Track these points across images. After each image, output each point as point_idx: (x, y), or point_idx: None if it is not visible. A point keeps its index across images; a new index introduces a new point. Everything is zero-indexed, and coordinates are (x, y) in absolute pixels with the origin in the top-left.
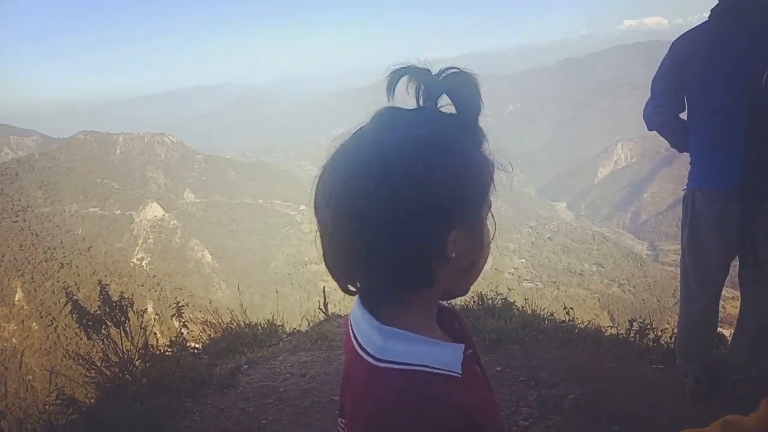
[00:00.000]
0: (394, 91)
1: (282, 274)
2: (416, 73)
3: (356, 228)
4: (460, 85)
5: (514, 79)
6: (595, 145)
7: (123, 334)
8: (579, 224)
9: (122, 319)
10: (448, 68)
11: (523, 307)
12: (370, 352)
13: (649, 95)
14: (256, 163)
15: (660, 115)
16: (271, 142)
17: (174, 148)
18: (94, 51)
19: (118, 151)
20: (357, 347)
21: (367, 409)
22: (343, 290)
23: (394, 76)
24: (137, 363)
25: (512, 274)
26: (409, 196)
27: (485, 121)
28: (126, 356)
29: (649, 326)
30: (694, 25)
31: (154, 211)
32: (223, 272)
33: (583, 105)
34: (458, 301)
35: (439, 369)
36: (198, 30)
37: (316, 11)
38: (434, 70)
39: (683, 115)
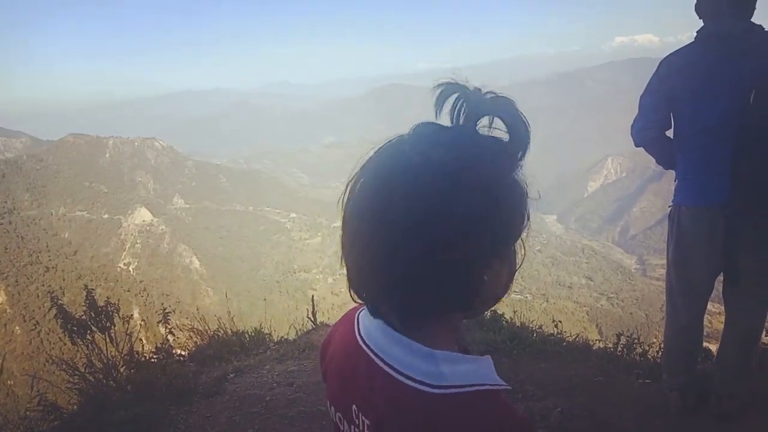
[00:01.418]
0: (442, 106)
1: (271, 282)
2: (463, 91)
3: (421, 248)
4: (514, 114)
5: (506, 91)
6: (586, 159)
7: (108, 340)
8: (569, 237)
9: (108, 324)
10: (489, 91)
11: (511, 319)
12: (421, 380)
13: (637, 112)
14: (246, 170)
15: (647, 131)
16: (261, 148)
17: (164, 152)
18: (85, 54)
19: (107, 155)
20: (392, 372)
21: None
22: (371, 310)
23: (445, 92)
24: (122, 369)
25: None
26: (486, 216)
27: None
28: (111, 362)
29: (636, 340)
30: (684, 44)
31: (142, 215)
32: (211, 279)
33: (574, 119)
34: None
35: (493, 385)
36: (189, 35)
37: (309, 19)
38: (426, 82)
39: (669, 133)
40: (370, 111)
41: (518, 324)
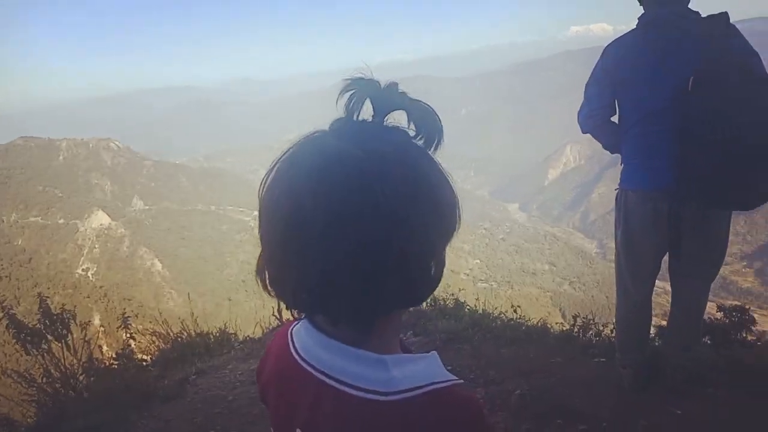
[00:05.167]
0: (358, 104)
1: (236, 282)
2: (370, 87)
3: (357, 242)
4: (424, 109)
5: (466, 83)
6: (546, 148)
7: (65, 348)
8: (531, 225)
9: (64, 332)
10: (393, 83)
11: (474, 307)
12: (372, 389)
13: (583, 99)
14: (208, 169)
15: (594, 118)
16: (223, 146)
17: (121, 153)
18: (33, 54)
19: (60, 158)
20: (340, 386)
21: None
22: (293, 310)
23: (358, 90)
24: (81, 378)
25: (467, 275)
26: (420, 207)
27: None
28: (69, 371)
29: (591, 321)
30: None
31: (100, 219)
32: (174, 281)
33: (533, 108)
34: None
35: (445, 381)
36: (144, 29)
37: (269, 12)
38: (386, 75)
39: (615, 119)
40: (333, 105)
41: (480, 311)
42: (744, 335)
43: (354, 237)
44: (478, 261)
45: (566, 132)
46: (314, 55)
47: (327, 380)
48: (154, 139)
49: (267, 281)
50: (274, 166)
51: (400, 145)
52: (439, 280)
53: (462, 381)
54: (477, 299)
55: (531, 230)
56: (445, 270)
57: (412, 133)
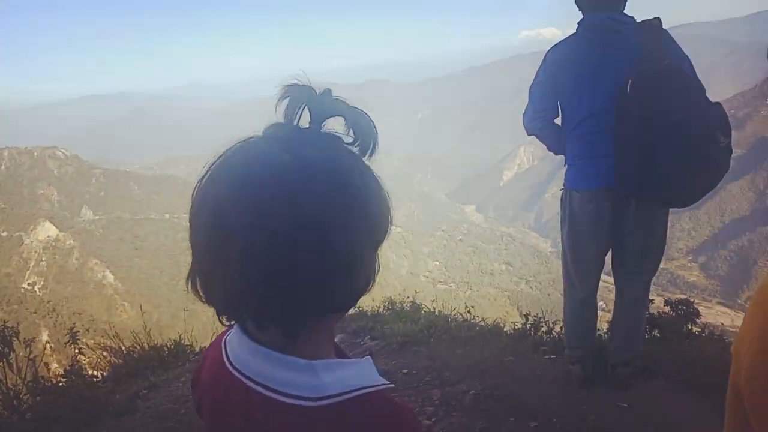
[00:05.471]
0: (295, 111)
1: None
2: (304, 93)
3: (281, 248)
4: (359, 115)
5: (422, 86)
6: (500, 149)
7: (7, 367)
8: (488, 226)
9: (5, 350)
10: (327, 90)
11: (431, 309)
12: (300, 394)
13: (528, 102)
14: (160, 176)
15: (538, 120)
16: (176, 153)
17: (68, 162)
18: None
19: (2, 167)
20: (269, 393)
21: None
22: (222, 320)
23: (293, 97)
24: (25, 398)
25: (427, 277)
26: (352, 213)
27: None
28: (11, 392)
29: (542, 319)
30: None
31: (46, 230)
32: (127, 293)
33: (487, 111)
34: (368, 307)
35: (374, 386)
36: (92, 32)
37: (218, 15)
38: (342, 80)
39: (558, 121)
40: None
41: (436, 313)
42: (689, 327)
43: (282, 245)
44: (437, 263)
45: (520, 134)
46: (265, 60)
47: (254, 386)
48: (104, 147)
49: (198, 287)
50: (206, 172)
51: (331, 151)
52: (366, 286)
53: (393, 385)
54: (434, 301)
55: (488, 231)
56: (405, 273)
57: (349, 140)
